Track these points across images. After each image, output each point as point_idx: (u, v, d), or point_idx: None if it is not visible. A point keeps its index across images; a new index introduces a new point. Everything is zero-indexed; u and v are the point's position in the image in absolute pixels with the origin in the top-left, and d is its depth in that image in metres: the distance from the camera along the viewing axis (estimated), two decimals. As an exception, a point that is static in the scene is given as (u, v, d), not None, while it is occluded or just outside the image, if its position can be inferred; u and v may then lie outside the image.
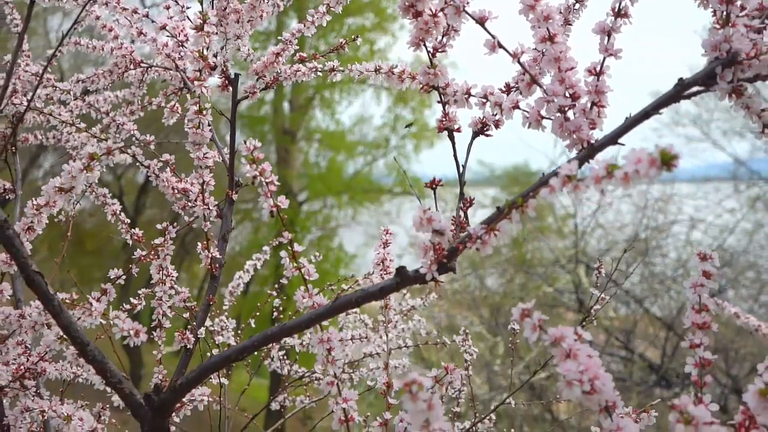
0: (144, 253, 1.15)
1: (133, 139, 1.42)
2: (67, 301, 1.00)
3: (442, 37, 0.88)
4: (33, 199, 0.98)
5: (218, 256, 1.19)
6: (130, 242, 1.29)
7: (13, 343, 1.09)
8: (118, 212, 1.35)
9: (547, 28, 0.80)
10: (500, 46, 0.81)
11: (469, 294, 8.26)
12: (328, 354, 0.87)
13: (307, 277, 0.88)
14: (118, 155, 1.14)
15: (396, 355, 1.75)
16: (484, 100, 0.88)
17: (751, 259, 7.94)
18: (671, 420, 0.57)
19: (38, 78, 1.51)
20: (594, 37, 0.81)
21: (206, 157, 1.12)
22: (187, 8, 1.26)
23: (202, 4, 1.06)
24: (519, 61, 0.82)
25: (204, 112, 1.03)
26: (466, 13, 0.80)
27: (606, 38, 0.79)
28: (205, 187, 1.16)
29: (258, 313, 1.82)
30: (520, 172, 10.17)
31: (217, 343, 1.50)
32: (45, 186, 0.97)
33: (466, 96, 0.88)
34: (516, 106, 0.85)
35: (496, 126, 0.91)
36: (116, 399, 1.02)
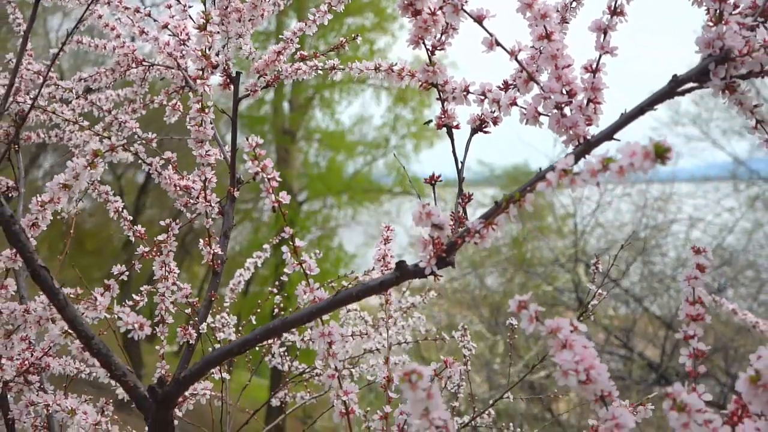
0: (147, 249, 1.16)
1: (135, 137, 1.44)
2: (72, 296, 1.02)
3: (441, 35, 0.89)
4: (37, 195, 0.99)
5: (220, 252, 1.20)
6: (133, 239, 1.31)
7: (17, 338, 1.11)
8: (120, 209, 1.36)
9: (544, 26, 0.81)
10: (498, 44, 0.83)
11: (469, 293, 8.28)
12: (329, 348, 0.88)
13: (308, 272, 0.89)
14: (120, 152, 1.15)
15: (396, 352, 1.77)
16: (483, 97, 0.89)
17: (750, 258, 7.96)
18: (665, 407, 0.59)
19: (41, 77, 1.52)
20: (591, 34, 0.82)
21: (208, 155, 1.14)
22: (189, 7, 1.28)
23: (204, 4, 1.07)
24: (516, 59, 0.83)
25: (206, 110, 1.04)
26: (464, 11, 0.81)
27: (602, 36, 0.80)
28: (207, 184, 1.17)
29: (259, 310, 1.84)
30: (520, 172, 10.18)
31: (218, 339, 1.52)
32: (49, 183, 0.99)
33: (465, 93, 0.90)
34: (514, 103, 0.86)
35: (495, 123, 0.92)
36: (120, 392, 1.03)
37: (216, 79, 1.29)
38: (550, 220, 9.12)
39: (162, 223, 1.20)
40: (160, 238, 1.16)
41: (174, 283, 1.19)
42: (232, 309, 1.78)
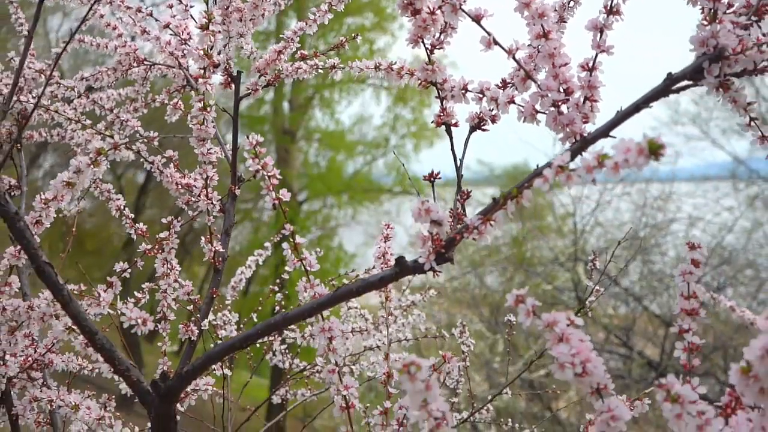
0: (149, 246, 1.17)
1: (137, 135, 1.45)
2: (75, 292, 1.03)
3: (440, 34, 0.90)
4: (41, 193, 1.00)
5: (221, 249, 1.21)
6: (135, 237, 1.32)
7: (21, 335, 1.12)
8: (122, 208, 1.37)
9: (542, 25, 0.82)
10: (496, 42, 0.84)
11: (469, 292, 8.29)
12: (329, 343, 0.89)
13: (308, 269, 0.91)
14: (123, 151, 1.16)
15: (396, 350, 1.78)
16: (481, 96, 0.90)
17: (749, 257, 7.98)
18: (658, 399, 0.60)
19: (44, 76, 1.53)
20: (588, 33, 0.83)
21: (210, 153, 1.15)
22: (191, 7, 1.29)
23: (207, 4, 1.08)
24: (514, 58, 0.84)
25: (208, 109, 1.05)
26: (463, 11, 0.82)
27: (598, 35, 0.81)
28: (208, 182, 1.18)
29: (261, 308, 1.85)
30: (520, 171, 10.19)
31: (220, 337, 1.53)
32: (52, 180, 1.00)
33: (463, 91, 0.91)
34: (511, 101, 0.87)
35: (493, 121, 0.93)
36: (122, 388, 1.04)
37: (217, 78, 1.30)
38: (549, 220, 9.14)
39: (164, 220, 1.21)
40: (162, 235, 1.18)
41: (176, 280, 1.20)
42: (233, 308, 1.79)
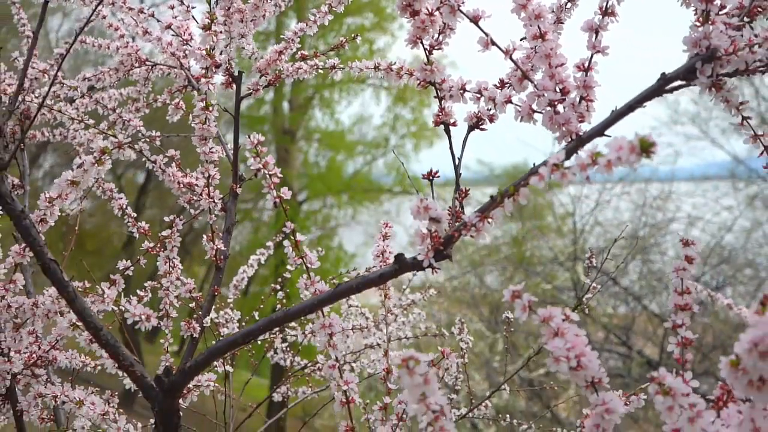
0: (152, 244, 1.19)
1: (139, 135, 1.46)
2: (79, 289, 1.04)
3: (439, 35, 0.92)
4: (45, 191, 1.02)
5: (223, 248, 1.23)
6: (137, 235, 1.33)
7: (25, 332, 1.13)
8: (124, 207, 1.39)
9: (538, 26, 0.84)
10: (493, 43, 0.85)
11: (469, 292, 8.31)
12: (330, 339, 0.91)
13: (309, 265, 0.92)
14: (126, 150, 1.18)
15: (396, 348, 1.79)
16: (479, 95, 0.92)
17: (749, 256, 7.99)
18: (651, 392, 0.61)
19: (47, 76, 1.55)
20: (584, 34, 0.85)
21: (211, 152, 1.16)
22: (193, 8, 1.30)
23: (210, 5, 1.10)
24: (511, 58, 0.86)
25: (210, 108, 1.07)
26: (461, 12, 0.84)
27: (594, 36, 0.83)
28: (210, 181, 1.20)
29: (262, 306, 1.86)
30: (519, 171, 10.20)
31: (221, 334, 1.54)
32: (57, 179, 1.01)
33: (461, 91, 0.92)
34: (509, 101, 0.89)
35: (491, 120, 0.94)
36: (127, 382, 1.06)
37: (219, 78, 1.31)
38: (549, 219, 9.16)
39: (166, 219, 1.22)
40: (164, 233, 1.19)
41: (178, 278, 1.22)
42: (234, 307, 1.81)
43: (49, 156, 9.80)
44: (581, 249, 7.68)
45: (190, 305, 1.26)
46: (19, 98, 1.40)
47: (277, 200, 0.92)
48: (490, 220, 0.78)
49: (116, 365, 0.93)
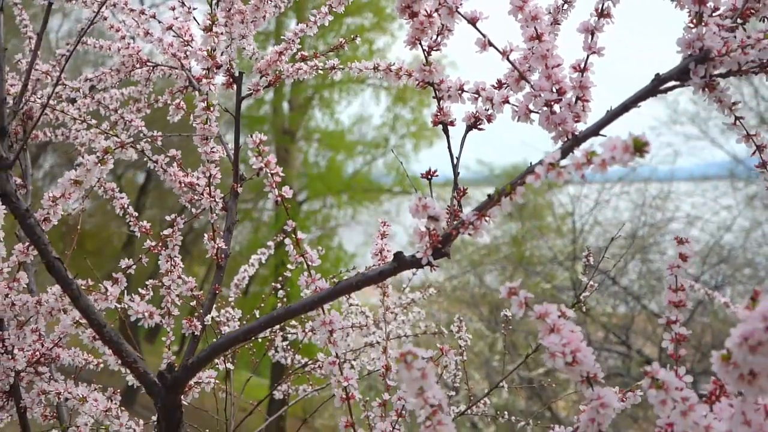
0: (153, 243, 1.20)
1: (141, 135, 1.48)
2: (83, 287, 1.05)
3: (437, 36, 0.93)
4: (49, 190, 1.03)
5: (224, 246, 1.24)
6: (138, 234, 1.34)
7: (28, 330, 1.15)
8: (126, 206, 1.40)
9: (535, 28, 0.85)
10: (490, 44, 0.87)
11: (469, 291, 8.33)
12: (330, 335, 0.92)
13: (310, 263, 0.93)
14: (128, 149, 1.19)
15: (395, 346, 1.80)
16: (477, 96, 0.93)
17: (748, 256, 8.01)
18: (644, 385, 0.63)
19: (49, 76, 1.56)
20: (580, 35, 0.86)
21: (213, 152, 1.18)
22: (194, 9, 1.32)
23: (211, 6, 1.11)
24: (508, 59, 0.87)
25: (211, 108, 1.08)
26: (459, 13, 0.85)
27: (590, 37, 0.84)
28: (211, 180, 1.21)
29: (263, 305, 1.88)
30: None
31: (223, 333, 1.55)
32: (60, 179, 1.03)
33: (460, 92, 0.94)
34: (506, 101, 0.90)
35: (489, 120, 0.96)
36: (130, 379, 1.07)
37: (220, 78, 1.32)
38: (549, 219, 9.17)
39: (167, 218, 1.24)
40: (165, 232, 1.20)
41: (179, 277, 1.23)
42: (235, 306, 1.82)
43: (49, 156, 9.82)
44: (581, 249, 7.69)
45: (192, 304, 1.28)
46: (27, 99, 1.42)
47: (279, 199, 0.94)
48: (487, 218, 0.80)
49: (119, 362, 0.95)
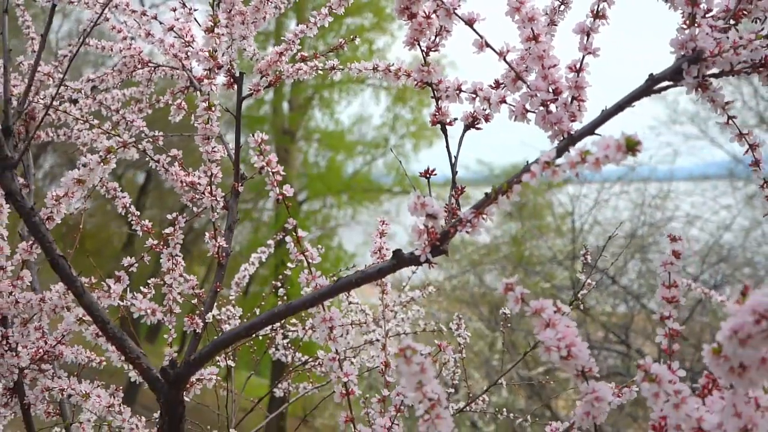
0: (155, 242, 1.21)
1: (143, 135, 1.49)
2: (86, 285, 1.07)
3: (435, 37, 0.95)
4: (52, 189, 1.05)
5: (225, 245, 1.25)
6: (140, 233, 1.36)
7: (32, 327, 1.16)
8: (128, 205, 1.42)
9: (532, 29, 0.87)
10: (487, 45, 0.88)
11: (468, 291, 8.34)
12: (330, 332, 0.94)
13: (310, 261, 0.95)
14: (130, 149, 1.21)
15: (394, 343, 1.82)
16: (474, 96, 0.95)
17: (747, 255, 8.02)
18: (637, 379, 0.64)
19: (51, 78, 1.58)
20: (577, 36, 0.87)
21: (214, 151, 1.19)
22: (195, 10, 1.33)
23: (213, 8, 1.12)
24: (505, 59, 0.88)
25: (213, 109, 1.10)
26: (456, 15, 0.86)
27: (585, 38, 0.86)
28: (213, 179, 1.22)
29: (264, 303, 1.89)
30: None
31: (223, 331, 1.57)
32: (63, 178, 1.04)
33: (457, 92, 0.95)
34: (503, 101, 0.91)
35: (486, 120, 0.97)
36: (133, 375, 1.08)
37: (221, 79, 1.34)
38: (549, 219, 9.19)
39: (168, 216, 1.25)
40: (167, 231, 1.22)
41: (181, 275, 1.24)
42: (235, 305, 1.83)
43: (49, 156, 9.84)
44: (580, 248, 7.70)
45: (193, 302, 1.29)
46: (32, 100, 1.43)
47: (280, 197, 0.95)
48: (485, 216, 0.81)
49: (123, 358, 0.96)
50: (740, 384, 0.58)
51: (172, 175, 1.31)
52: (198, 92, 1.41)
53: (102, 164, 1.01)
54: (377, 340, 1.61)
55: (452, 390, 1.74)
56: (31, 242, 1.10)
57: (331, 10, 1.35)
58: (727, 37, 0.77)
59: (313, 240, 10.45)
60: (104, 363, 1.25)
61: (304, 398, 1.95)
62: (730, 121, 0.80)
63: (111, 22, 1.53)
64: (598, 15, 0.86)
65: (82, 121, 1.52)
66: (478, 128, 0.96)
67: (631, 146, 0.60)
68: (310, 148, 11.34)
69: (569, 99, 0.85)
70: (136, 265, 1.20)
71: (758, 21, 0.80)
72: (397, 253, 0.86)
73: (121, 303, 1.05)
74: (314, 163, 11.25)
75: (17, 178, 1.02)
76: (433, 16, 0.90)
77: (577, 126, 0.84)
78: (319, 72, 1.41)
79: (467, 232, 0.83)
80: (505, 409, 1.82)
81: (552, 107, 0.85)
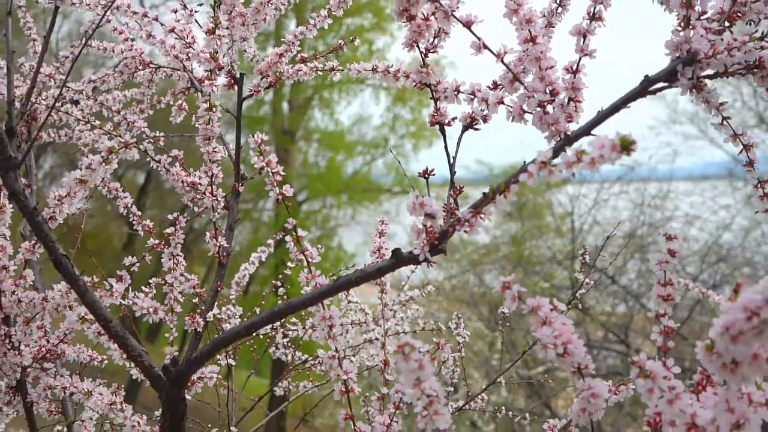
0: (156, 241, 1.23)
1: (144, 135, 1.50)
2: (89, 284, 1.08)
3: (434, 38, 0.96)
4: (54, 190, 1.06)
5: (225, 244, 1.26)
6: (141, 233, 1.37)
7: (35, 326, 1.17)
8: (129, 205, 1.43)
9: (529, 30, 0.88)
10: (485, 47, 0.89)
11: (468, 291, 8.35)
12: (330, 330, 0.95)
13: (310, 260, 0.96)
14: (131, 150, 1.22)
15: (394, 342, 1.83)
16: (472, 96, 0.96)
17: (747, 255, 8.03)
18: (632, 376, 0.65)
19: (51, 79, 1.59)
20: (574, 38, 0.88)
21: (215, 152, 1.20)
22: (196, 12, 1.34)
23: (214, 9, 1.13)
24: (502, 61, 0.89)
25: (214, 109, 1.11)
26: (454, 17, 0.88)
27: (582, 39, 0.87)
28: (213, 179, 1.23)
29: (264, 302, 1.90)
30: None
31: (224, 330, 1.58)
32: (65, 178, 1.05)
33: (456, 92, 0.96)
34: (501, 102, 0.93)
35: (484, 120, 0.98)
36: (134, 373, 1.09)
37: (221, 80, 1.35)
38: (548, 219, 9.21)
39: (169, 216, 1.26)
40: (168, 230, 1.23)
41: (182, 274, 1.26)
42: (236, 305, 1.84)
43: (49, 157, 9.85)
44: (579, 248, 7.71)
45: (194, 301, 1.30)
46: (35, 101, 1.44)
47: (280, 197, 0.96)
48: (482, 216, 0.82)
49: (125, 356, 0.97)
50: (733, 380, 0.59)
51: (173, 175, 1.32)
52: (199, 93, 1.42)
53: (104, 164, 1.02)
54: (376, 339, 1.62)
55: (451, 389, 1.75)
56: (33, 242, 1.11)
57: (331, 12, 1.36)
58: (722, 39, 0.78)
59: (313, 240, 10.45)
60: (106, 362, 1.26)
61: (304, 397, 1.96)
62: (725, 122, 0.81)
63: (113, 23, 1.54)
64: (594, 17, 0.87)
65: (83, 122, 1.53)
66: (476, 129, 0.98)
67: (625, 146, 0.61)
68: (310, 148, 11.36)
69: (566, 100, 0.86)
70: (138, 264, 1.21)
71: (752, 23, 0.81)
72: (396, 252, 0.87)
73: (123, 302, 1.06)
74: (314, 163, 11.27)
75: (20, 179, 1.03)
76: (432, 18, 0.91)
77: (573, 127, 0.85)
78: (319, 73, 1.42)
79: (465, 231, 0.84)
80: (504, 408, 1.83)
81: (549, 108, 0.86)
